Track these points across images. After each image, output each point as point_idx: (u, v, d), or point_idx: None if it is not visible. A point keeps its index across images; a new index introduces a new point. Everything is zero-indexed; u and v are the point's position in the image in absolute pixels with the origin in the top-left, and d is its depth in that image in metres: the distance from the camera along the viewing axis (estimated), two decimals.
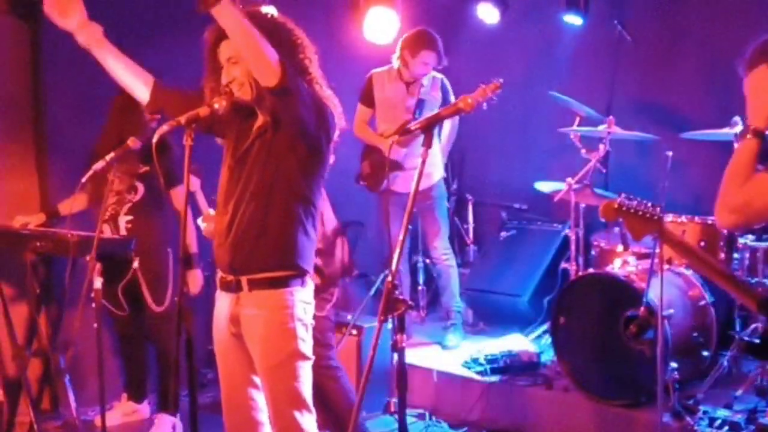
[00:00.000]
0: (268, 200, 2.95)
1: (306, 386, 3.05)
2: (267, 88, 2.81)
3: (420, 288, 6.47)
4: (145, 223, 4.72)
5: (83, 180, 3.79)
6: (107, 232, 4.65)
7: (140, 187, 4.74)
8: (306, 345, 3.04)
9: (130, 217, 4.72)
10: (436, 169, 5.68)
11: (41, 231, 4.65)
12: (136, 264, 4.56)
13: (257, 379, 3.11)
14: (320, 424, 3.19)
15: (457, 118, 5.32)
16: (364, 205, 5.98)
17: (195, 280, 4.72)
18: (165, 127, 2.89)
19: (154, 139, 2.88)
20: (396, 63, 5.55)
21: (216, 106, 2.92)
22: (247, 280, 2.99)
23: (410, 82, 5.53)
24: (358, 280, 6.47)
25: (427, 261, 6.31)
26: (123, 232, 4.70)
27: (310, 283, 3.09)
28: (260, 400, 3.13)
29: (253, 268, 2.98)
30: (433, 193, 5.63)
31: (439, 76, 5.66)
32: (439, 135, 5.84)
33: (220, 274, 3.11)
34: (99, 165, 3.71)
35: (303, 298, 3.03)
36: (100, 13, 5.12)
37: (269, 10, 5.41)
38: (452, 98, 5.55)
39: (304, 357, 3.04)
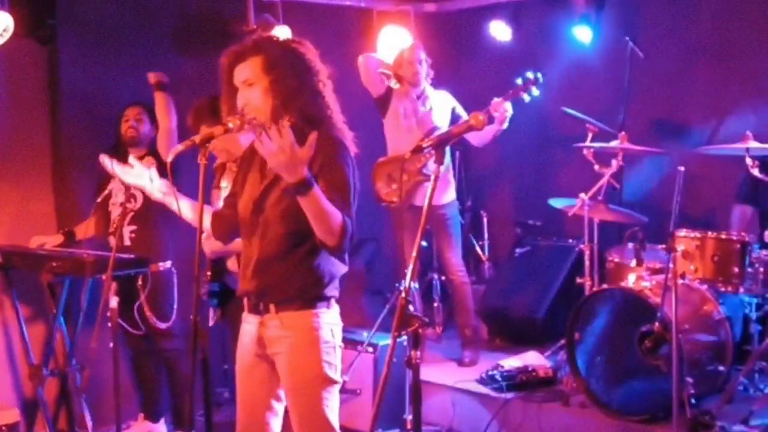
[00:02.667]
0: (293, 232, 2.95)
1: (332, 409, 3.03)
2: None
3: (436, 305, 6.46)
4: (148, 232, 4.73)
5: (98, 200, 3.83)
6: (113, 244, 4.66)
7: (138, 195, 4.74)
8: (332, 368, 3.02)
9: (133, 227, 4.74)
10: (452, 186, 5.72)
11: (58, 251, 4.70)
12: (140, 280, 4.56)
13: (276, 405, 3.13)
14: None
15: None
16: (379, 222, 6.01)
17: None
18: (180, 147, 2.92)
19: (169, 159, 2.91)
20: (396, 85, 5.62)
21: (230, 125, 2.95)
22: (274, 302, 3.00)
23: (419, 95, 5.57)
24: (374, 296, 6.49)
25: (443, 278, 6.32)
26: (127, 242, 4.70)
27: (336, 305, 3.09)
28: (276, 426, 3.14)
29: (279, 293, 2.99)
30: (448, 210, 5.67)
31: (447, 93, 5.71)
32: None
33: (246, 297, 3.12)
34: (113, 186, 3.74)
35: (329, 320, 3.03)
36: (129, 27, 5.28)
37: (283, 30, 5.52)
38: (462, 113, 5.61)
39: (330, 380, 3.02)
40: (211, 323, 4.09)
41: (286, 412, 3.13)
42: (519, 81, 5.28)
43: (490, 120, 5.26)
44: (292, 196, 2.80)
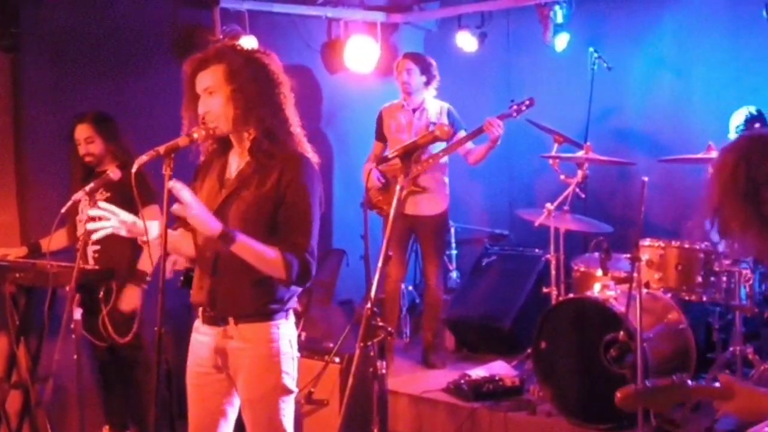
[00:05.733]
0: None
1: (288, 419, 3.05)
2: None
3: (403, 315, 6.47)
4: (112, 252, 4.66)
5: (63, 210, 3.78)
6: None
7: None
8: (290, 379, 3.04)
9: (96, 247, 4.68)
10: (447, 197, 5.76)
11: (21, 262, 4.64)
12: (101, 294, 4.51)
13: (230, 412, 3.13)
14: None
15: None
16: (346, 232, 6.00)
17: (131, 297, 4.59)
18: (144, 157, 2.90)
19: (134, 169, 2.89)
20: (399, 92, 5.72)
21: (195, 135, 2.94)
22: (233, 315, 3.00)
23: (416, 107, 5.64)
24: (342, 307, 6.47)
25: (410, 287, 6.34)
26: (90, 261, 4.65)
27: (293, 316, 3.10)
28: None
29: (239, 307, 2.99)
30: (442, 219, 5.75)
31: (446, 104, 5.75)
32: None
33: (201, 308, 3.10)
34: (78, 195, 3.70)
35: (288, 331, 3.04)
36: (94, 36, 5.24)
37: (249, 40, 5.51)
38: (462, 124, 5.64)
39: (288, 391, 3.04)
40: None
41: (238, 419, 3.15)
42: (513, 102, 5.43)
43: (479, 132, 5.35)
44: (255, 211, 2.88)
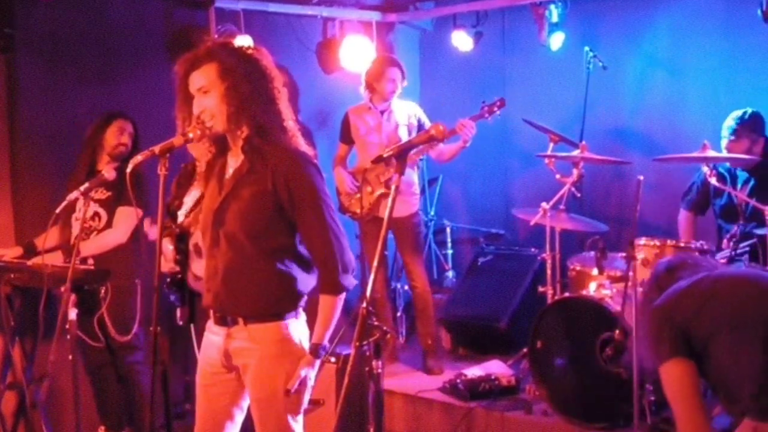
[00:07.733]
0: (259, 245, 2.95)
1: (298, 420, 3.05)
2: None
3: (399, 314, 6.46)
4: (111, 251, 4.68)
5: (57, 211, 3.77)
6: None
7: (102, 214, 4.70)
8: None
9: None
10: (415, 198, 5.75)
11: (16, 262, 4.62)
12: (102, 293, 4.51)
13: (237, 414, 3.13)
14: None
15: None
16: None
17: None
18: (139, 157, 2.90)
19: (128, 169, 2.89)
20: (365, 95, 5.65)
21: (190, 135, 2.94)
22: (242, 315, 2.99)
23: (384, 109, 5.60)
24: None
25: (405, 287, 6.33)
26: (90, 261, 4.65)
27: (303, 314, 3.09)
28: None
29: (248, 307, 2.99)
30: (414, 220, 5.71)
31: (414, 105, 5.75)
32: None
33: (212, 309, 3.10)
34: (73, 195, 3.69)
35: (298, 330, 3.03)
36: (88, 37, 5.24)
37: (244, 40, 5.50)
38: (427, 123, 5.62)
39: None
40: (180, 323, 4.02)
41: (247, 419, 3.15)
42: (484, 103, 5.39)
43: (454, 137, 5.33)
44: (254, 209, 2.89)
